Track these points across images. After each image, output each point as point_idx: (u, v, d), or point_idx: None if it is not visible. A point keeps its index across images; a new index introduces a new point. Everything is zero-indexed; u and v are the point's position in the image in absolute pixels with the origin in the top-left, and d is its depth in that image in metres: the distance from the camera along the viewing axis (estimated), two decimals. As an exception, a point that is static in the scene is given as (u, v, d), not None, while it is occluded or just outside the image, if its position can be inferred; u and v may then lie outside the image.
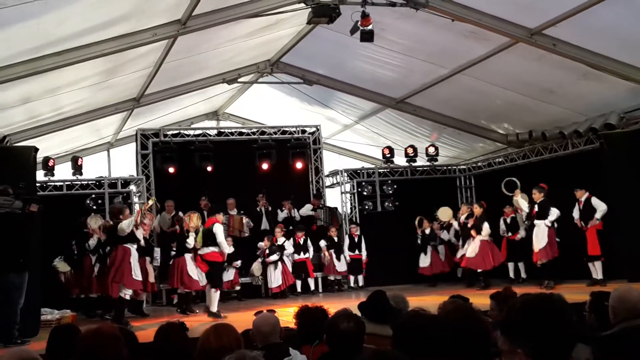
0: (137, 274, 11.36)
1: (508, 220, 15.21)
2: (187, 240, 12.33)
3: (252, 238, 15.60)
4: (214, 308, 11.78)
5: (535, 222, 13.49)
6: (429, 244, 16.23)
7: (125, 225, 11.19)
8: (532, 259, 13.64)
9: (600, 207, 12.91)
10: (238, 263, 14.76)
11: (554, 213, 13.25)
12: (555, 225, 13.48)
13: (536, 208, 13.50)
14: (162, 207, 14.85)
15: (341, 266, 16.18)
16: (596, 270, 12.92)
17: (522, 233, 14.64)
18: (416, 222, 16.32)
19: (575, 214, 13.37)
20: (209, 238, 11.92)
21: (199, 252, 12.21)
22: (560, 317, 2.72)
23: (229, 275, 14.64)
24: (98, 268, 12.99)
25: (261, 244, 15.46)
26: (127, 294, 11.29)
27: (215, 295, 11.90)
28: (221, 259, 12.14)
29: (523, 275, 14.81)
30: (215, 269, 12.19)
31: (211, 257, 11.99)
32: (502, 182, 14.63)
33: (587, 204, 13.11)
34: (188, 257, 12.63)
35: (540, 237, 13.36)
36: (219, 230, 11.91)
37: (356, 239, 16.38)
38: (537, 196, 13.51)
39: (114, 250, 11.44)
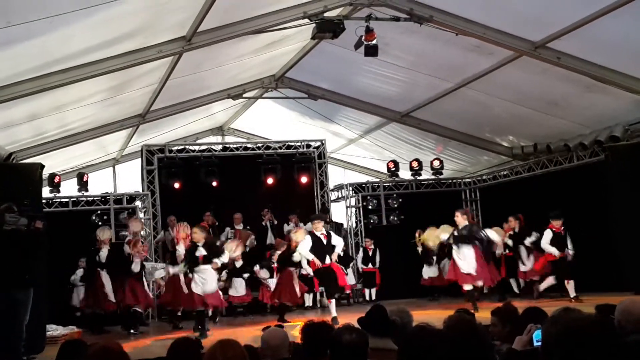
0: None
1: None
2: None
3: (258, 252, 15.47)
4: None
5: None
6: (431, 256, 15.93)
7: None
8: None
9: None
10: (245, 276, 14.60)
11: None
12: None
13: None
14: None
15: (350, 279, 16.08)
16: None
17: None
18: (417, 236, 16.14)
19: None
20: None
21: None
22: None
23: (239, 290, 14.54)
24: (111, 284, 13.06)
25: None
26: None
27: None
28: None
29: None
30: None
31: None
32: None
33: None
34: None
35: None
36: None
37: (370, 252, 16.34)
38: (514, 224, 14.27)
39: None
